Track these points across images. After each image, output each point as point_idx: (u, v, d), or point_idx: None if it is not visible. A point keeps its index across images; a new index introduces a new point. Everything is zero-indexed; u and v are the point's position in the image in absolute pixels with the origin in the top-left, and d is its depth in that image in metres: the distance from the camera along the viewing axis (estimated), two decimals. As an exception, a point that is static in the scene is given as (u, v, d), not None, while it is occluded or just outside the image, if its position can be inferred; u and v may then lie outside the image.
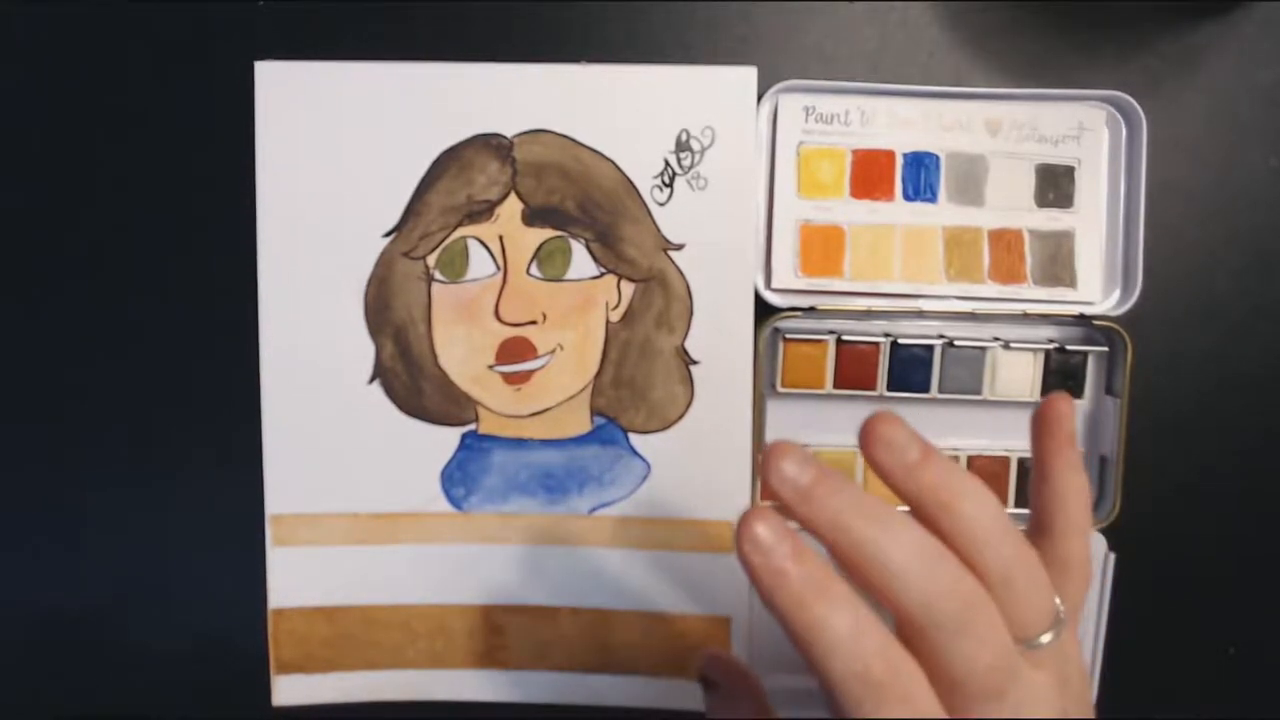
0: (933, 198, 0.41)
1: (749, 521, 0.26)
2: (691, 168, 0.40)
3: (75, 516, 0.42)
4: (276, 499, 0.41)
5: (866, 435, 0.26)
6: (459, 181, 0.40)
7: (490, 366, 0.41)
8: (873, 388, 0.41)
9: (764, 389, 0.41)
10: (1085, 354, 0.41)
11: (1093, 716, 0.26)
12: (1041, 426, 0.29)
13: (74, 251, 0.42)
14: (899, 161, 0.41)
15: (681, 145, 0.40)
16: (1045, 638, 0.25)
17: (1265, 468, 0.43)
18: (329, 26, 0.41)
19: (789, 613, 0.25)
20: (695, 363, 0.41)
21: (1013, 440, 0.42)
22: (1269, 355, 0.42)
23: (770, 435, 0.42)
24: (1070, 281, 0.41)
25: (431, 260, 0.41)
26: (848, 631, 0.23)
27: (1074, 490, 0.28)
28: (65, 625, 0.43)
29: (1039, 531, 0.28)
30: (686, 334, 0.41)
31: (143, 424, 0.42)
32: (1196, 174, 0.42)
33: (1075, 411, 0.31)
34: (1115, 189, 0.41)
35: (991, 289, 0.41)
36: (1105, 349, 0.41)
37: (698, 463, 0.41)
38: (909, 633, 0.24)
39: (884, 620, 0.24)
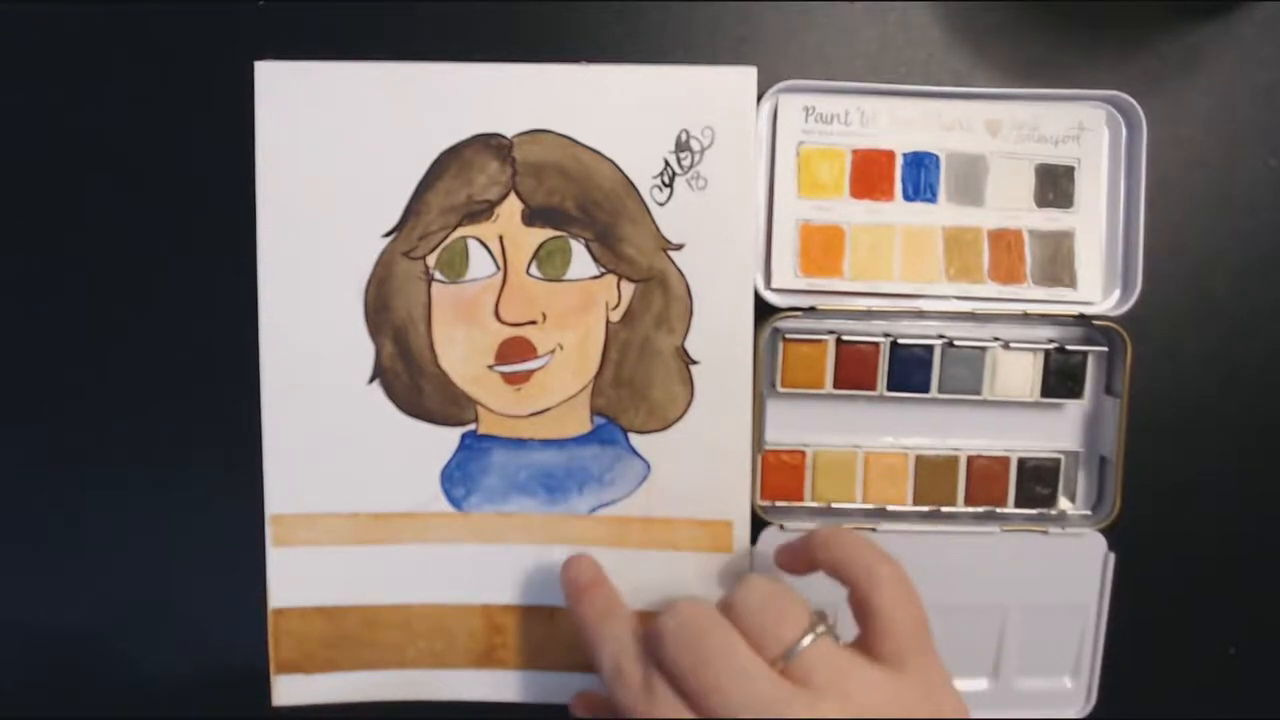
0: (932, 198, 0.41)
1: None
2: (691, 168, 0.40)
3: (75, 517, 0.42)
4: (276, 499, 0.41)
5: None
6: (459, 181, 0.40)
7: (490, 366, 0.41)
8: (873, 388, 0.41)
9: (764, 389, 0.41)
10: (1085, 354, 0.41)
11: None
12: (802, 553, 0.36)
13: (74, 251, 0.42)
14: (899, 161, 0.41)
15: (681, 145, 0.40)
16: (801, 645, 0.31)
17: (1265, 468, 0.43)
18: (329, 26, 0.41)
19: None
20: (695, 363, 0.41)
21: (1013, 440, 0.42)
22: (1269, 355, 0.42)
23: (770, 435, 0.42)
24: (1070, 281, 0.41)
25: (431, 260, 0.41)
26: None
27: (843, 553, 0.34)
28: (65, 625, 0.43)
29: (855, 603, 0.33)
30: (686, 334, 0.41)
31: (143, 424, 0.42)
32: (1196, 174, 0.42)
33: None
34: (1115, 189, 0.41)
35: (991, 289, 0.41)
36: (1105, 349, 0.41)
37: (698, 463, 0.41)
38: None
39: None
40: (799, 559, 0.36)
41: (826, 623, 0.31)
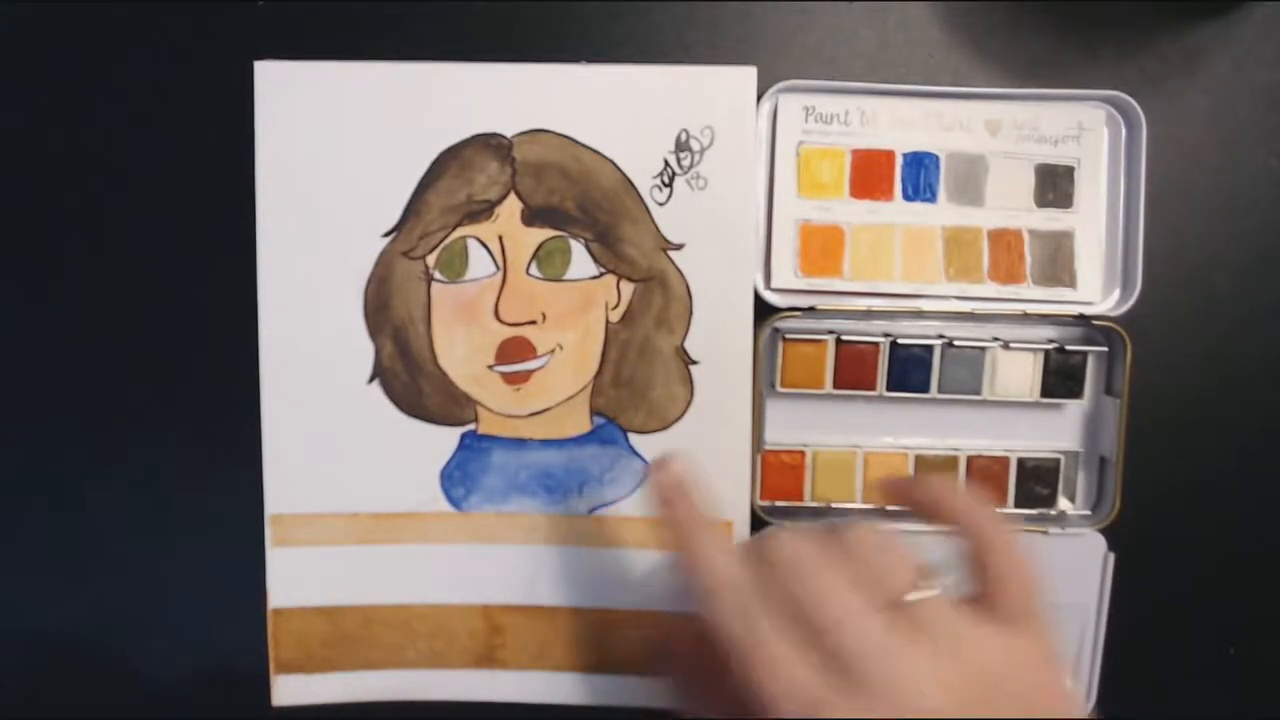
0: (932, 198, 0.41)
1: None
2: (691, 168, 0.40)
3: (75, 516, 0.42)
4: (276, 499, 0.41)
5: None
6: (459, 181, 0.40)
7: (490, 366, 0.41)
8: (872, 388, 0.41)
9: (763, 389, 0.41)
10: (1085, 354, 0.41)
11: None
12: (899, 488, 0.34)
13: (74, 252, 0.42)
14: (899, 161, 0.41)
15: (681, 145, 0.40)
16: (911, 596, 0.28)
17: (1265, 468, 0.43)
18: (329, 26, 0.41)
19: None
20: (695, 363, 0.41)
21: (1012, 440, 0.42)
22: (1269, 355, 0.42)
23: (770, 435, 0.42)
24: (1070, 281, 0.41)
25: (431, 260, 0.41)
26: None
27: (970, 517, 0.31)
28: (65, 625, 0.43)
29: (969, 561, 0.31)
30: (686, 334, 0.41)
31: (143, 424, 0.42)
32: (1196, 174, 0.42)
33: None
34: (1115, 189, 0.41)
35: (991, 289, 0.41)
36: (1105, 349, 0.41)
37: (698, 463, 0.41)
38: None
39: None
40: (901, 496, 0.34)
41: (940, 577, 0.29)
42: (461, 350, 0.41)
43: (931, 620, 0.28)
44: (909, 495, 0.34)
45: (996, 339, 0.41)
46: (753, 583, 0.30)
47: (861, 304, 0.41)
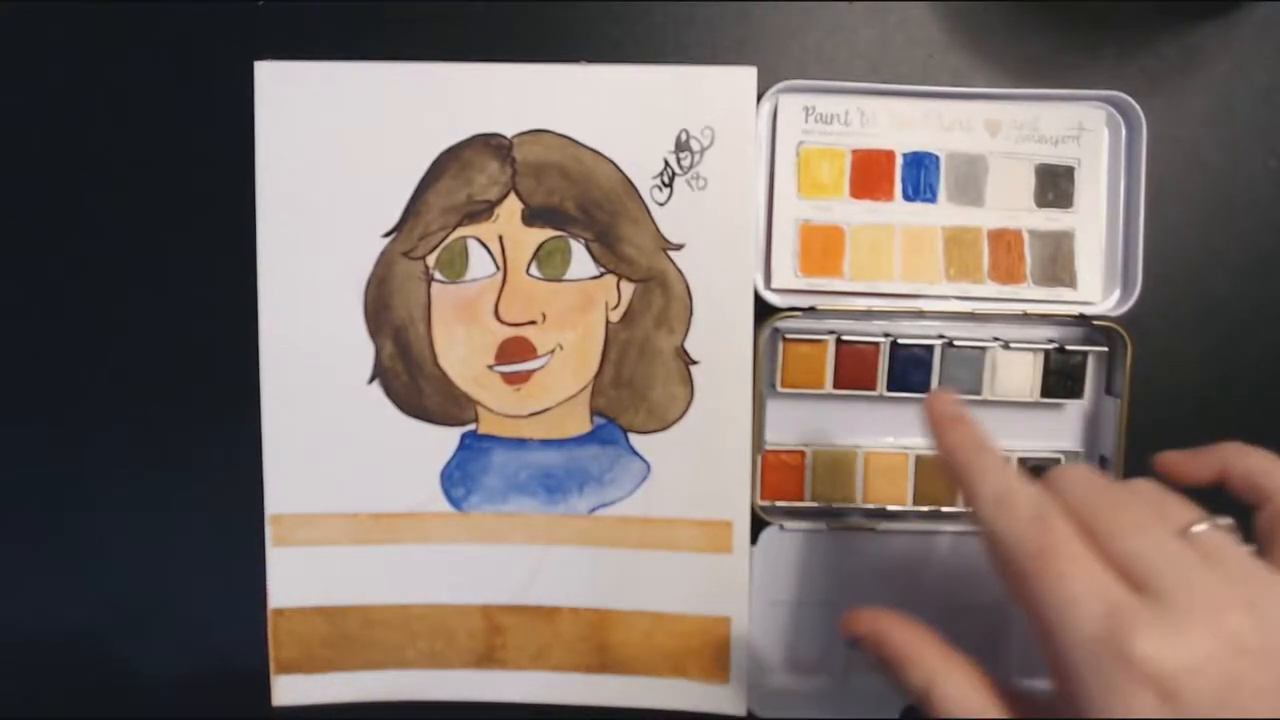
0: (932, 198, 0.41)
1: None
2: (691, 168, 0.40)
3: (75, 517, 0.42)
4: (276, 499, 0.41)
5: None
6: (459, 181, 0.40)
7: (490, 366, 0.41)
8: (873, 388, 0.41)
9: (764, 389, 0.41)
10: (1085, 354, 0.41)
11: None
12: (1185, 462, 0.33)
13: (74, 251, 0.42)
14: (899, 161, 0.41)
15: (681, 145, 0.40)
16: (1199, 528, 0.27)
17: (1265, 468, 0.43)
18: (329, 26, 0.41)
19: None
20: (695, 363, 0.41)
21: (1012, 440, 0.42)
22: (1269, 355, 0.42)
23: (770, 435, 0.42)
24: (1070, 281, 0.41)
25: (431, 260, 0.41)
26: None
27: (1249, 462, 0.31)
28: (65, 625, 0.43)
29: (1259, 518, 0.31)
30: (686, 334, 0.41)
31: (142, 424, 0.42)
32: (1196, 174, 0.42)
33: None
34: (1115, 189, 0.41)
35: (991, 289, 0.41)
36: (1105, 349, 0.41)
37: (698, 463, 0.41)
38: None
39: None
40: (1193, 468, 0.32)
41: (1224, 520, 0.28)
42: (461, 350, 0.41)
43: (1220, 551, 0.26)
44: (1193, 466, 0.32)
45: (996, 339, 0.41)
46: (1045, 494, 0.28)
47: (861, 304, 0.41)
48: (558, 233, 0.41)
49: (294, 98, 0.40)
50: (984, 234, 0.41)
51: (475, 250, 0.41)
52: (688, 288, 0.41)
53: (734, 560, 0.41)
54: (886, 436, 0.42)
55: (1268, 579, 0.26)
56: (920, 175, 0.41)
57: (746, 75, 0.40)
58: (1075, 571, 0.26)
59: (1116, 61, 0.41)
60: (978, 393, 0.41)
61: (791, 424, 0.42)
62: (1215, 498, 0.31)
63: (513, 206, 0.40)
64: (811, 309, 0.41)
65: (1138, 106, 0.40)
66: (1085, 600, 0.25)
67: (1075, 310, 0.41)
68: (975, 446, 0.30)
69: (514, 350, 0.41)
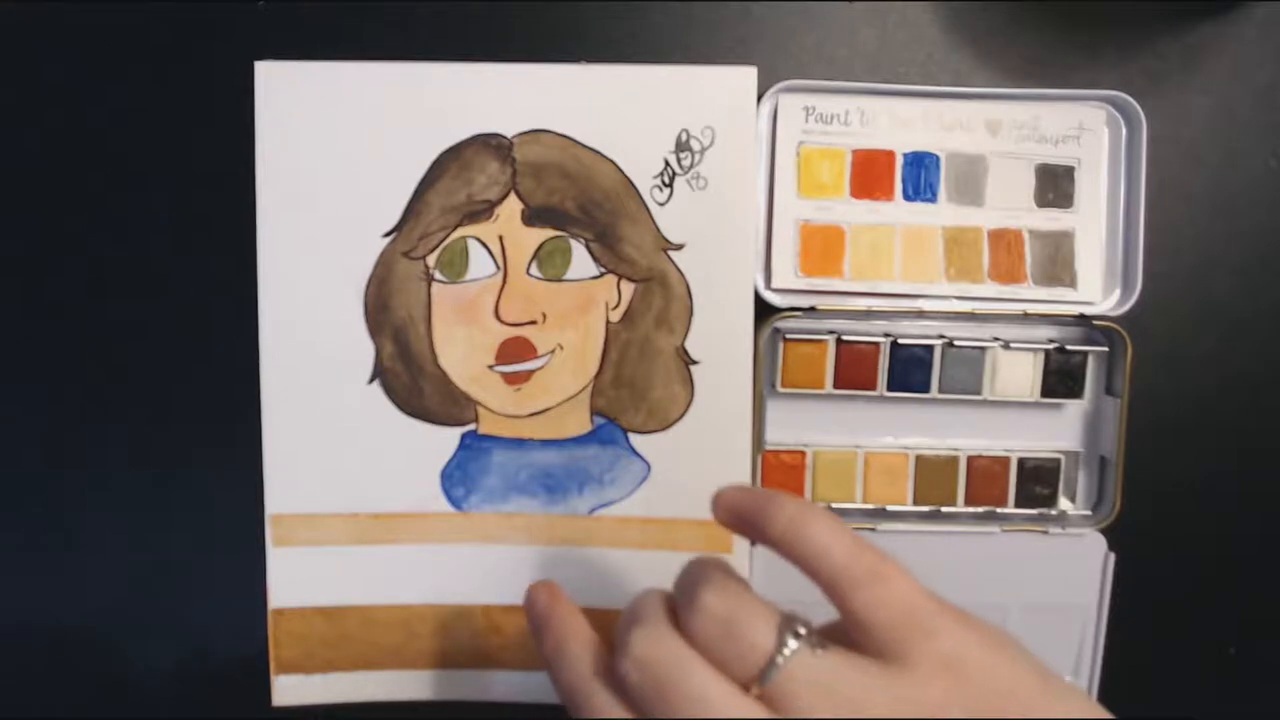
0: (932, 198, 0.41)
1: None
2: (691, 168, 0.40)
3: (75, 517, 0.42)
4: (276, 499, 0.41)
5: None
6: (459, 181, 0.40)
7: (490, 366, 0.41)
8: (873, 388, 0.41)
9: (764, 389, 0.41)
10: (1085, 354, 0.41)
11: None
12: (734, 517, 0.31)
13: (73, 251, 0.42)
14: (899, 161, 0.41)
15: (681, 145, 0.40)
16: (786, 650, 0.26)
17: (1265, 468, 0.43)
18: (329, 26, 0.41)
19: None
20: (695, 363, 0.41)
21: (1013, 440, 0.42)
22: (1269, 355, 0.42)
23: (770, 435, 0.42)
24: (1070, 281, 0.41)
25: (431, 260, 0.41)
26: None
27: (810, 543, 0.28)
28: (65, 625, 0.43)
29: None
30: (686, 334, 0.41)
31: (143, 424, 0.42)
32: (1196, 174, 0.42)
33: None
34: (1115, 189, 0.41)
35: (991, 289, 0.41)
36: (1105, 349, 0.41)
37: (698, 463, 0.41)
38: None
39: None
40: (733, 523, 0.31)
41: (800, 627, 0.27)
42: (461, 350, 0.41)
43: (802, 687, 0.26)
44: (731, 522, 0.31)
45: (997, 339, 0.41)
46: (615, 691, 0.29)
47: (862, 304, 0.41)
48: (558, 233, 0.41)
49: (294, 98, 0.40)
50: (984, 234, 0.41)
51: (475, 250, 0.41)
52: (688, 288, 0.41)
53: (734, 561, 0.41)
54: (886, 436, 0.42)
55: (849, 695, 0.25)
56: (920, 175, 0.41)
57: (746, 75, 0.40)
58: None
59: (1117, 61, 0.41)
60: (978, 393, 0.41)
61: (791, 424, 0.42)
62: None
63: (513, 206, 0.40)
64: (812, 309, 0.41)
65: (1138, 106, 0.40)
66: None
67: (1075, 310, 0.41)
68: (557, 645, 0.33)
69: (514, 350, 0.41)
